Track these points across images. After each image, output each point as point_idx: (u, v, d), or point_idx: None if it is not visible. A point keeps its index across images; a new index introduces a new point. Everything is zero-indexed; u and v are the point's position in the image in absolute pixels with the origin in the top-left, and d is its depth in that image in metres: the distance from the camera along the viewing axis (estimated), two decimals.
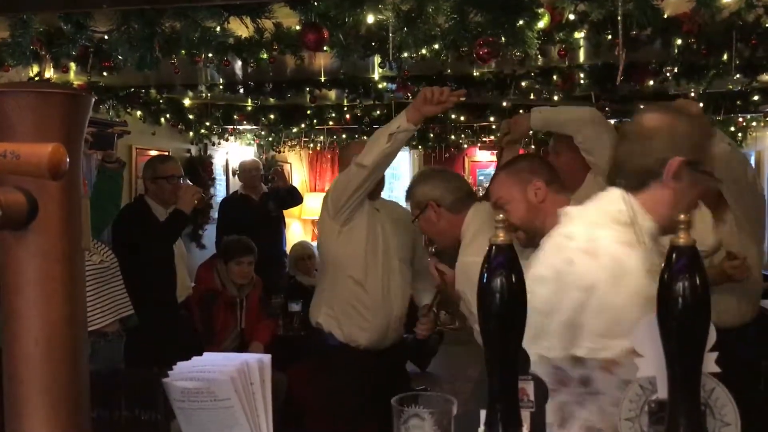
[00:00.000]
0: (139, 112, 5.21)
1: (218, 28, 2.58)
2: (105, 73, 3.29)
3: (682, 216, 1.10)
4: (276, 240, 6.14)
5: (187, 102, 5.45)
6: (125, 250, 3.35)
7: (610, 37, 2.81)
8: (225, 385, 1.22)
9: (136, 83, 4.67)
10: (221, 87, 4.66)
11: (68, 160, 0.83)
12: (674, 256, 1.10)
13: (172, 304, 3.81)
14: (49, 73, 3.29)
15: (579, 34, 2.76)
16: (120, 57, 2.83)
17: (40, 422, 0.97)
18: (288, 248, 6.59)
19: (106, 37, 2.75)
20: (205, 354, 1.35)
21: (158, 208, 3.85)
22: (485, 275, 1.12)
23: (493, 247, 1.12)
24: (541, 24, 2.40)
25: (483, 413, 1.11)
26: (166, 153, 5.75)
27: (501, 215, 1.12)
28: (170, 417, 1.31)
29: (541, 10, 2.36)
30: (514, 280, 1.11)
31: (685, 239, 1.09)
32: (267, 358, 1.30)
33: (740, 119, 6.40)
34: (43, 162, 0.81)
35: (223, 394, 1.22)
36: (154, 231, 3.67)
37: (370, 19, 2.61)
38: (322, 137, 7.18)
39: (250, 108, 5.75)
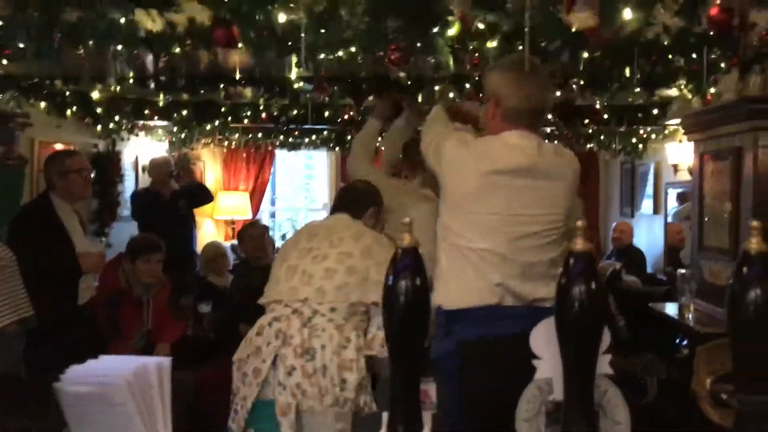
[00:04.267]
0: (42, 104, 4.97)
1: (123, 20, 2.48)
2: (5, 62, 3.12)
3: (579, 222, 1.14)
4: (186, 239, 6.02)
5: (95, 95, 5.22)
6: (25, 249, 3.20)
7: (521, 48, 2.87)
8: (121, 389, 1.17)
9: (40, 73, 4.45)
10: (131, 81, 4.50)
11: None
12: (571, 261, 1.14)
13: (73, 304, 3.68)
14: None
15: (491, 44, 2.82)
16: (19, 46, 2.68)
17: None
18: (198, 248, 6.43)
19: (1, 23, 2.60)
20: (102, 357, 1.30)
21: (63, 205, 3.73)
22: (391, 278, 1.13)
23: (399, 251, 1.14)
24: (452, 32, 2.44)
25: (385, 415, 1.12)
26: (72, 148, 5.51)
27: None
28: (62, 425, 1.25)
29: (452, 18, 2.39)
30: (418, 282, 1.12)
31: (582, 245, 1.13)
32: (167, 360, 1.27)
33: (641, 131, 6.70)
34: None
35: (119, 399, 1.18)
36: (56, 231, 3.54)
37: (282, 18, 2.56)
38: (237, 135, 7.06)
39: (161, 103, 5.58)
